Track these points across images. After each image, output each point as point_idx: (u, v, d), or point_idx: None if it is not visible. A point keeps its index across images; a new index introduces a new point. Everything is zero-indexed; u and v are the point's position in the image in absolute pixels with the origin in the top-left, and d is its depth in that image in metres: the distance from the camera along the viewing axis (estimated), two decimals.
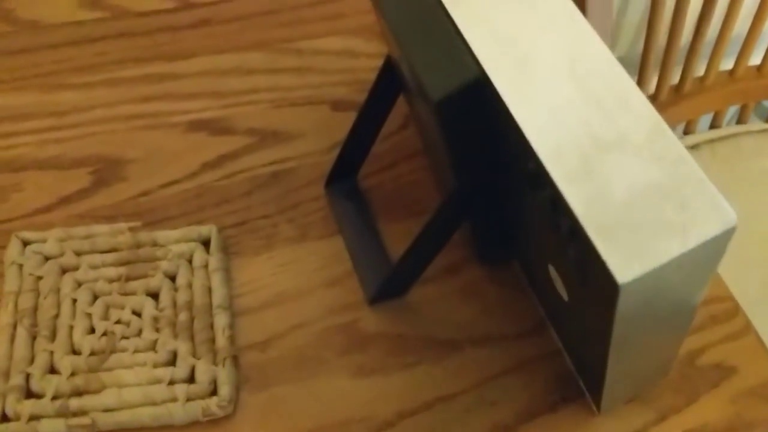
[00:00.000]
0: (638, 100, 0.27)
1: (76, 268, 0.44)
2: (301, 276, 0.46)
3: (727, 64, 0.91)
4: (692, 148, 0.94)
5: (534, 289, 0.45)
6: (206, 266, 0.45)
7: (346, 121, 0.54)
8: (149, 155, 0.51)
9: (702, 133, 0.96)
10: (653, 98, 0.88)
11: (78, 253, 0.45)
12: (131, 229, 0.47)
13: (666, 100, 0.88)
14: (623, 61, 1.07)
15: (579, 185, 0.26)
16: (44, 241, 0.45)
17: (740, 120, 0.99)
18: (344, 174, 0.50)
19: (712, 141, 0.95)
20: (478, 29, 0.30)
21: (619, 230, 0.25)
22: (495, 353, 0.44)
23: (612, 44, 0.89)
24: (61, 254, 0.45)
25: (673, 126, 0.93)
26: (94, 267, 0.45)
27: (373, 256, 0.47)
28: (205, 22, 0.59)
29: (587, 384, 0.42)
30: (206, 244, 0.46)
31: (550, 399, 0.43)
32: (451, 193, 0.38)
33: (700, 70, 0.89)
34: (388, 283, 0.45)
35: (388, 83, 0.44)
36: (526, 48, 0.30)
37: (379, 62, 0.57)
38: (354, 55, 0.58)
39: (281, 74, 0.56)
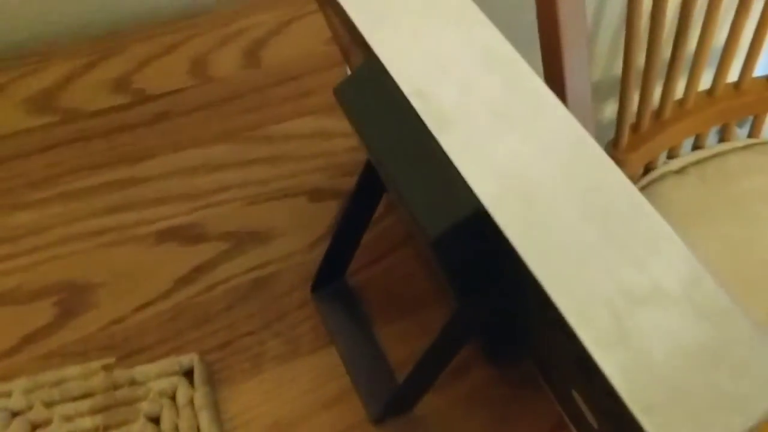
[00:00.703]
0: (669, 239, 0.24)
1: (48, 423, 0.40)
2: (297, 400, 0.42)
3: (705, 83, 0.89)
4: (678, 172, 0.92)
5: (550, 387, 0.42)
6: (191, 403, 0.41)
7: (326, 211, 0.50)
8: (118, 276, 0.47)
9: (686, 155, 0.94)
10: (635, 129, 0.85)
11: (48, 405, 0.41)
12: (105, 368, 0.42)
13: (648, 130, 0.86)
14: (598, 86, 1.05)
15: (614, 350, 0.23)
16: (9, 394, 0.41)
17: (723, 138, 0.96)
18: (331, 275, 0.46)
19: (698, 163, 0.93)
20: (473, 159, 0.27)
21: (667, 405, 0.22)
22: None
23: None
24: (29, 408, 0.40)
25: (656, 155, 0.90)
26: (68, 418, 0.40)
27: (372, 369, 0.43)
28: (163, 116, 0.55)
29: None
30: (189, 374, 0.42)
31: None
32: (454, 314, 0.35)
33: (679, 92, 0.87)
34: (394, 402, 0.41)
35: (371, 185, 0.41)
36: (529, 179, 0.26)
37: (353, 142, 0.54)
38: (327, 136, 0.54)
39: (252, 166, 0.53)
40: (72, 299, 0.46)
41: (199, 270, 0.47)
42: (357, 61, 0.43)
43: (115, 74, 0.57)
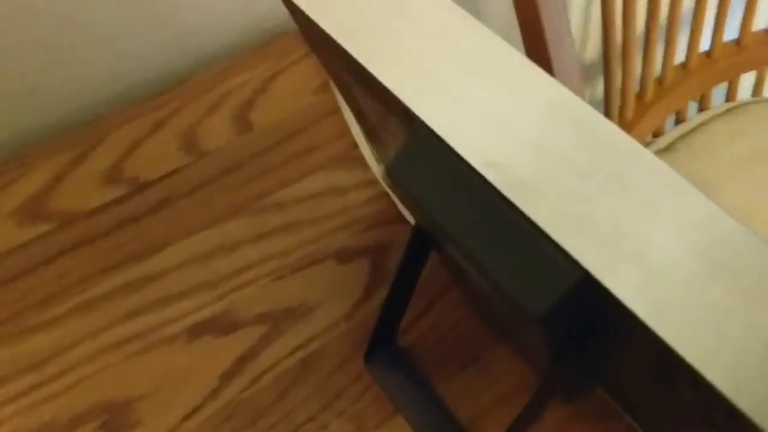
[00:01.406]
0: None
1: None
2: None
3: (679, 56, 0.89)
4: (667, 149, 0.91)
5: (629, 412, 0.40)
6: None
7: (358, 271, 0.48)
8: (157, 384, 0.44)
9: (671, 131, 0.94)
10: (621, 116, 0.85)
11: None
12: None
13: (634, 115, 0.85)
14: (591, 64, 1.04)
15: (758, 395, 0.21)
16: None
17: (702, 107, 0.97)
18: (382, 340, 0.44)
19: (683, 137, 0.93)
20: (567, 225, 0.25)
21: None
22: None
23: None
24: None
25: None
26: None
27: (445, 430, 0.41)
28: (165, 202, 0.52)
29: None
30: None
31: None
32: (548, 378, 0.33)
33: (657, 69, 0.87)
34: None
35: (419, 249, 0.39)
36: (632, 236, 0.24)
37: (369, 192, 0.52)
38: (340, 191, 0.52)
39: (270, 238, 0.50)
40: (114, 421, 0.43)
41: (242, 360, 0.45)
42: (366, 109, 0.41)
43: (103, 165, 0.54)
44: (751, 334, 0.22)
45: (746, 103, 0.96)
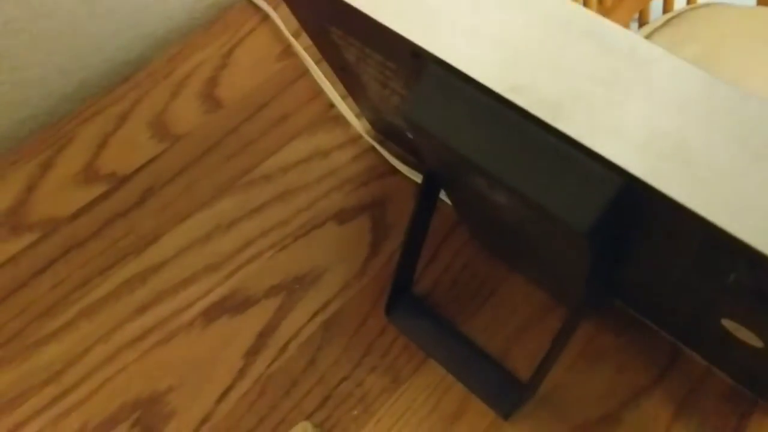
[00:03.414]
0: None
1: None
2: (421, 425, 0.41)
3: None
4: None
5: (655, 317, 0.42)
6: None
7: (360, 229, 0.48)
8: (183, 374, 0.43)
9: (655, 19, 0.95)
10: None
11: None
12: None
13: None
14: None
15: None
16: None
17: (642, 22, 0.98)
18: (400, 292, 0.44)
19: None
20: (602, 136, 0.25)
21: None
22: (652, 406, 0.40)
23: None
24: None
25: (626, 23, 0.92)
26: None
27: (480, 367, 0.42)
28: (148, 193, 0.51)
29: (761, 391, 0.39)
30: None
31: (732, 424, 0.40)
32: (584, 297, 0.33)
33: None
34: (521, 395, 0.40)
35: (429, 197, 0.39)
36: (671, 137, 0.25)
37: (353, 149, 0.52)
38: (323, 153, 0.52)
39: (265, 211, 0.49)
40: (147, 417, 0.42)
41: (263, 335, 0.44)
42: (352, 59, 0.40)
43: (76, 167, 0.52)
44: None
45: (683, 12, 0.98)
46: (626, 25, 0.92)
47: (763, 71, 0.78)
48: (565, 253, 0.31)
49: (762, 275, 0.24)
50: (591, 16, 0.27)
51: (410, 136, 0.37)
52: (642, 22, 0.98)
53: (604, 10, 0.87)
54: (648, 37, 0.96)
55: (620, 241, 0.30)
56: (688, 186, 0.24)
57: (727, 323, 0.32)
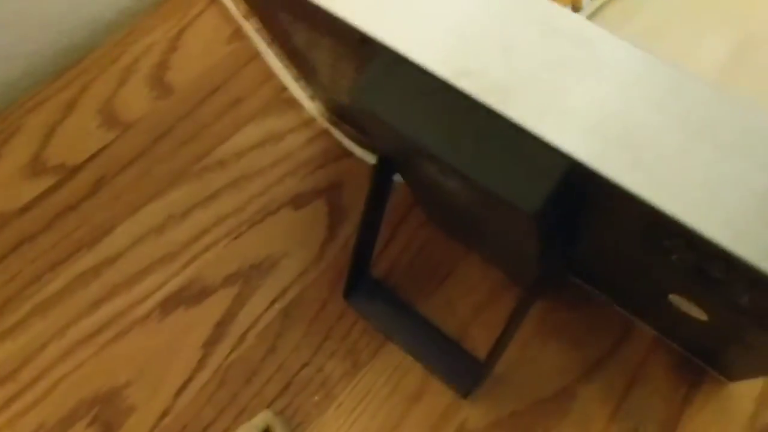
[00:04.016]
0: None
1: None
2: (382, 408, 0.41)
3: None
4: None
5: (607, 291, 0.43)
6: None
7: (316, 213, 0.48)
8: (141, 368, 0.43)
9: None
10: None
11: None
12: None
13: None
14: None
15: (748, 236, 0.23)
16: None
17: None
18: (357, 275, 0.44)
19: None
20: (551, 120, 0.25)
21: None
22: (606, 378, 0.41)
23: None
24: None
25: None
26: None
27: (438, 347, 0.42)
28: (100, 183, 0.50)
29: (710, 361, 0.41)
30: None
31: (682, 392, 0.41)
32: (540, 275, 0.34)
33: None
34: (479, 374, 0.40)
35: (383, 180, 0.38)
36: (618, 120, 0.25)
37: (307, 132, 0.51)
38: (277, 137, 0.51)
39: (219, 198, 0.49)
40: (106, 412, 0.42)
41: (221, 325, 0.44)
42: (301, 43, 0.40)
43: (23, 158, 0.51)
44: (743, 186, 0.23)
45: None
46: None
47: (713, 41, 0.79)
48: (516, 235, 0.32)
49: (702, 254, 0.25)
50: (538, 2, 0.27)
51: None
52: None
53: None
54: (600, 8, 0.97)
55: (570, 221, 0.31)
56: (630, 169, 0.24)
57: (674, 298, 0.33)
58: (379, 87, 0.29)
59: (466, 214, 0.35)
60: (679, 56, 0.80)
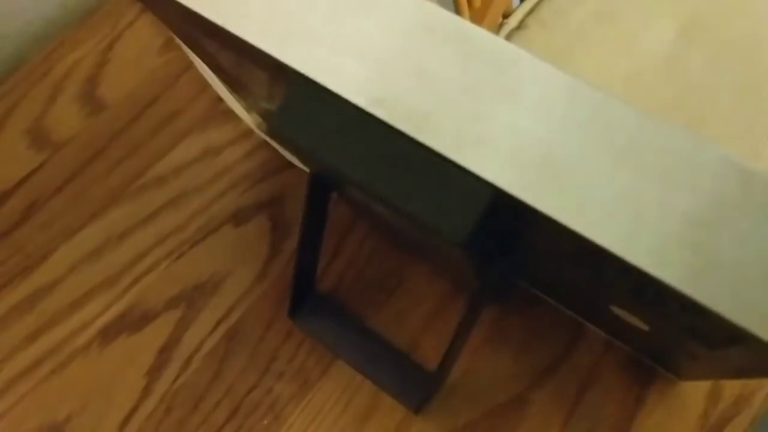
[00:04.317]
0: (710, 154, 0.23)
1: None
2: (334, 427, 0.40)
3: None
4: (519, 28, 0.93)
5: (555, 298, 0.42)
6: None
7: (258, 229, 0.46)
8: (83, 400, 0.42)
9: (519, 8, 0.95)
10: (470, 5, 0.85)
11: None
12: None
13: (482, 1, 0.85)
14: None
15: (704, 279, 0.22)
16: None
17: None
18: (303, 293, 0.43)
19: (532, 11, 0.94)
20: (470, 148, 0.25)
21: (744, 293, 0.21)
22: (559, 382, 0.41)
23: None
24: None
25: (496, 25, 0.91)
26: None
27: (388, 362, 0.42)
28: (32, 208, 0.48)
29: (659, 361, 0.40)
30: None
31: (634, 392, 0.41)
32: (479, 290, 0.33)
33: None
34: (430, 387, 0.40)
35: (319, 197, 0.37)
36: (538, 145, 0.24)
37: (246, 145, 0.50)
38: (216, 151, 0.49)
39: (159, 217, 0.47)
40: None
41: (165, 350, 0.43)
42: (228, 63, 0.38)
43: None
44: (666, 211, 0.23)
45: None
46: (509, 1, 0.91)
47: (661, 22, 0.79)
48: (451, 253, 0.31)
49: (631, 278, 0.24)
50: (453, 20, 0.26)
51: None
52: None
53: None
54: None
55: (504, 237, 0.30)
56: (554, 195, 0.24)
57: (615, 309, 0.33)
58: (297, 114, 0.28)
59: (402, 232, 0.35)
60: (629, 38, 0.80)
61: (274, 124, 0.28)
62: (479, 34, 0.26)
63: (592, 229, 0.23)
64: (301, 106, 0.28)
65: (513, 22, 0.95)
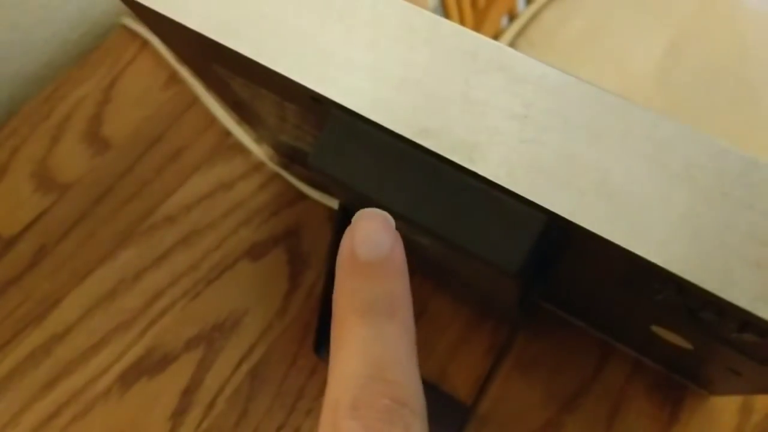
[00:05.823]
0: (765, 172, 0.23)
1: None
2: None
3: None
4: (510, 46, 0.94)
5: (585, 319, 0.42)
6: None
7: (276, 263, 0.46)
8: None
9: (508, 30, 0.96)
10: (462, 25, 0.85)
11: None
12: None
13: (474, 23, 0.86)
14: None
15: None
16: None
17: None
18: (327, 329, 0.42)
19: (520, 32, 0.95)
20: (525, 174, 0.24)
21: None
22: (591, 404, 0.41)
23: None
24: None
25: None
26: None
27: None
28: (41, 253, 0.47)
29: (691, 377, 0.40)
30: None
31: (667, 410, 0.40)
32: (515, 321, 0.33)
33: None
34: (463, 418, 0.39)
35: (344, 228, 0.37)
36: (592, 169, 0.24)
37: (258, 178, 0.49)
38: (228, 185, 0.49)
39: (171, 257, 0.46)
40: None
41: (187, 393, 0.42)
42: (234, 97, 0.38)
43: None
44: (727, 232, 0.23)
45: None
46: (499, 23, 0.93)
47: (648, 39, 0.80)
48: (494, 284, 0.30)
49: (689, 296, 0.24)
50: (496, 46, 0.26)
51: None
52: None
53: (479, 12, 0.87)
54: (537, 13, 0.98)
55: (548, 265, 0.30)
56: (611, 219, 0.23)
57: (656, 329, 0.32)
58: (337, 148, 0.27)
59: (440, 266, 0.34)
60: (618, 55, 0.81)
61: (312, 160, 0.28)
62: (523, 59, 0.26)
63: (651, 251, 0.23)
64: (341, 139, 0.27)
65: (504, 43, 0.96)
